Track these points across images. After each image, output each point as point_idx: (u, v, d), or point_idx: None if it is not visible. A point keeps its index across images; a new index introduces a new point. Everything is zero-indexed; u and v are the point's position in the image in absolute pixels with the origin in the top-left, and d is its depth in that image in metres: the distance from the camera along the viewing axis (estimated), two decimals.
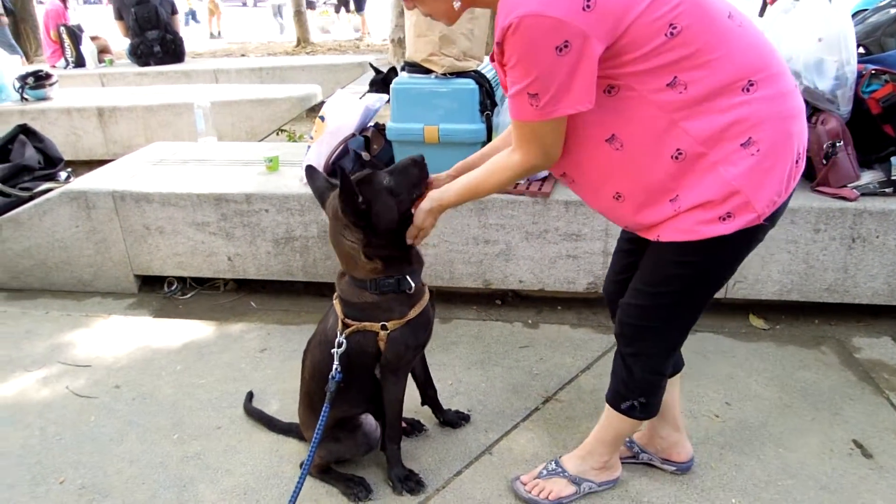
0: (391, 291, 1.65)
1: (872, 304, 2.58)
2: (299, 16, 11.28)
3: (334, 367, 1.62)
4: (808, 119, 2.54)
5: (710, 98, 1.26)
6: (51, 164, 3.37)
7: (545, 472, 1.80)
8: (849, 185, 2.47)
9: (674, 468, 1.86)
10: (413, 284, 1.67)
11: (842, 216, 2.42)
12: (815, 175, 2.53)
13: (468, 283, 2.79)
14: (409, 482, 1.81)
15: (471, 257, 2.72)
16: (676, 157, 1.31)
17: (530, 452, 1.96)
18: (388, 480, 1.83)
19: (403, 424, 2.01)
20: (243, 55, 10.06)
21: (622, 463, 1.85)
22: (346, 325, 1.67)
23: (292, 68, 6.63)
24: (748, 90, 1.26)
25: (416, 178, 1.65)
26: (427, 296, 1.75)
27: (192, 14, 17.52)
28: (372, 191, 1.59)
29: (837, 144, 2.43)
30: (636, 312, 1.54)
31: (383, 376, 1.73)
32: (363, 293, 1.66)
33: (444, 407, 2.08)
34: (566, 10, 1.18)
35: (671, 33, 1.22)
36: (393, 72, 3.67)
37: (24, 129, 3.39)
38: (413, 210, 1.62)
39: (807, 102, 2.52)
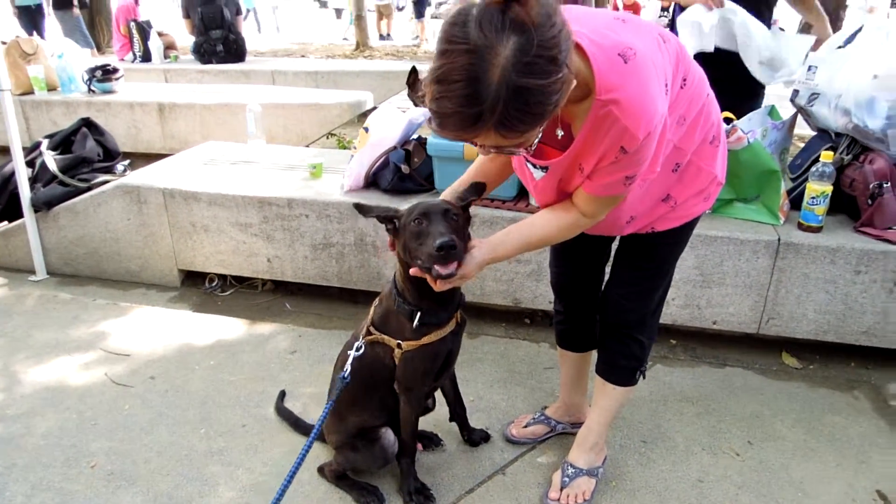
0: (403, 316, 1.67)
1: None
2: (359, 20, 11.47)
3: (346, 368, 1.66)
4: (856, 158, 2.48)
5: (696, 119, 1.47)
6: (109, 156, 3.55)
7: (567, 479, 1.88)
8: (895, 228, 2.40)
9: (580, 427, 2.01)
10: (419, 322, 1.63)
11: (884, 259, 2.35)
12: (859, 215, 2.47)
13: (498, 301, 2.81)
14: (420, 496, 1.84)
15: (502, 275, 2.74)
16: (675, 170, 1.53)
17: (543, 476, 1.97)
18: (400, 492, 1.87)
19: (419, 444, 2.05)
20: (303, 56, 10.29)
21: (541, 442, 2.13)
22: (369, 332, 1.72)
23: (347, 73, 6.76)
24: (708, 103, 1.50)
25: (429, 258, 1.45)
26: (450, 326, 1.70)
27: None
28: (401, 222, 1.57)
29: (884, 185, 2.37)
30: (638, 296, 1.74)
31: (399, 393, 1.76)
32: (390, 300, 1.70)
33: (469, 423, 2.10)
34: (663, 102, 1.29)
35: (683, 85, 1.41)
36: None
37: (87, 123, 3.57)
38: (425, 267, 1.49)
39: (855, 141, 2.47)
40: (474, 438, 2.10)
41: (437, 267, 1.44)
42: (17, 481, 1.93)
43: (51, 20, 9.01)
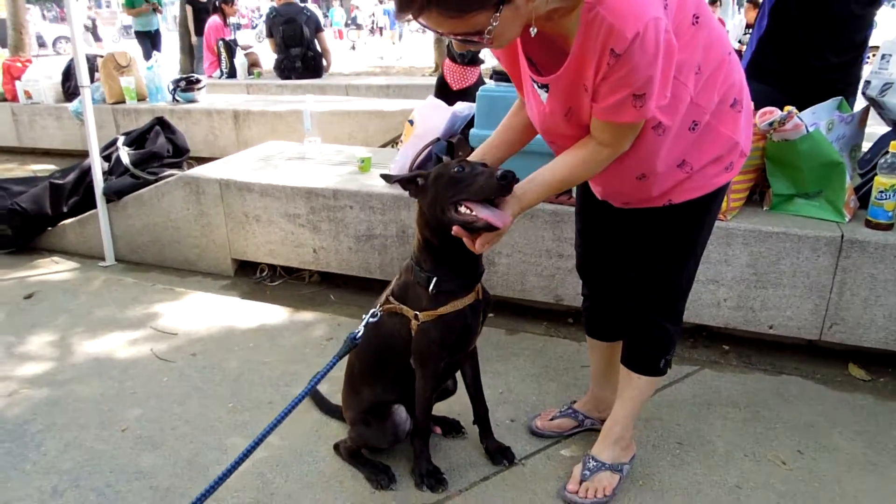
0: (420, 284, 1.65)
1: None
2: (438, 43, 11.69)
3: (359, 329, 1.62)
4: None
5: (714, 73, 1.40)
6: (178, 153, 3.73)
7: (587, 472, 1.78)
8: None
9: None
10: (436, 289, 1.61)
11: None
12: None
13: (539, 297, 2.73)
14: (431, 479, 1.78)
15: (543, 270, 2.66)
16: (693, 129, 1.44)
17: (565, 470, 1.87)
18: (412, 474, 1.83)
19: (437, 427, 2.00)
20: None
21: (568, 436, 2.03)
22: (388, 301, 1.70)
23: (417, 87, 6.86)
24: (729, 61, 1.43)
25: (485, 189, 1.43)
26: (469, 299, 1.66)
27: None
28: (430, 178, 1.56)
29: None
30: (660, 275, 1.65)
31: (415, 367, 1.73)
32: (409, 271, 1.68)
33: (492, 430, 1.95)
34: (661, 9, 1.22)
35: (695, 22, 1.32)
36: None
37: (160, 121, 3.78)
38: (459, 214, 1.47)
39: None
40: (490, 448, 1.92)
41: (487, 216, 1.41)
42: (54, 438, 2.02)
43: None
